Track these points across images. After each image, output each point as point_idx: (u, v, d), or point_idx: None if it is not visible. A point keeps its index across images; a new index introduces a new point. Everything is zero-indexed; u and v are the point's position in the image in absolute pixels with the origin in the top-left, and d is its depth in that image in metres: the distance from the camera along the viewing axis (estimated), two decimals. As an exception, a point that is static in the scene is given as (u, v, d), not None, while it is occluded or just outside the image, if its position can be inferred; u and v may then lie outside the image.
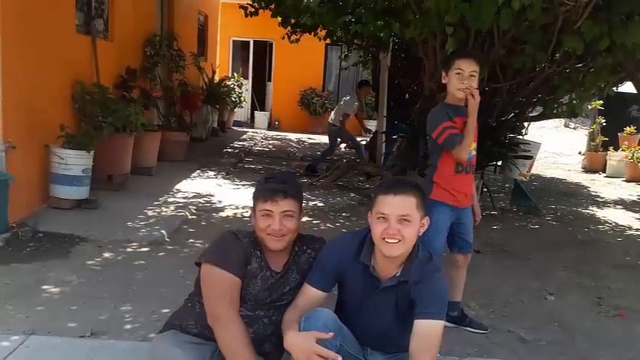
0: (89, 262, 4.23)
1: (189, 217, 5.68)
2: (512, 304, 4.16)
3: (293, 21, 9.02)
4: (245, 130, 14.61)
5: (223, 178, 7.86)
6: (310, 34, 10.17)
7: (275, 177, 2.43)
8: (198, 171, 8.01)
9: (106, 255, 4.41)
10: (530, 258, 5.35)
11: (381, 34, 6.35)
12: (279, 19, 9.20)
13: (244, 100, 14.83)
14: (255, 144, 12.12)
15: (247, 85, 15.96)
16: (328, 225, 5.88)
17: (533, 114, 7.03)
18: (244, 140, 12.48)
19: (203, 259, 2.38)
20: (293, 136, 14.25)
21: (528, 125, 7.08)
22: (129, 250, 4.56)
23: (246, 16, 9.74)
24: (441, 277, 2.36)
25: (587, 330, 3.80)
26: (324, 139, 13.91)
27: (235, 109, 14.55)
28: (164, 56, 8.70)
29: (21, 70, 4.90)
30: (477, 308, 3.99)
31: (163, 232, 4.97)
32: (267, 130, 15.25)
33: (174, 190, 6.66)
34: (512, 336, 3.60)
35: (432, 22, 4.88)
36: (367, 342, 2.47)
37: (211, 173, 8.06)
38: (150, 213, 5.57)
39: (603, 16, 4.44)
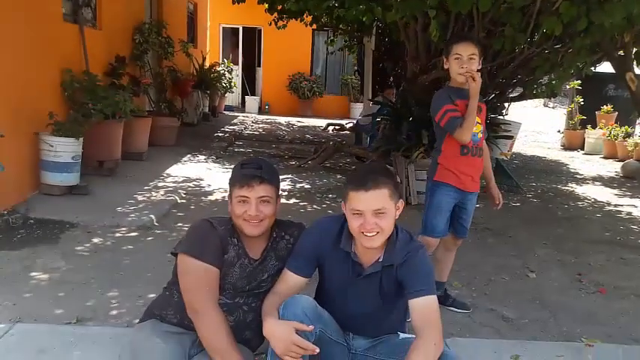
0: (78, 248, 4.08)
1: (179, 201, 5.53)
2: (495, 282, 4.06)
3: (279, 7, 8.81)
4: (236, 114, 14.42)
5: (213, 162, 7.70)
6: (297, 20, 9.97)
7: (250, 162, 2.30)
8: (188, 155, 7.84)
9: (95, 240, 4.27)
10: (512, 235, 5.25)
11: (364, 18, 6.19)
12: (266, 5, 8.99)
13: (235, 86, 14.61)
14: (245, 128, 11.94)
15: (238, 70, 15.74)
16: (315, 207, 5.76)
17: (513, 95, 6.91)
18: (235, 124, 12.30)
19: (179, 250, 2.25)
20: (282, 119, 14.08)
21: (509, 106, 6.97)
22: (118, 235, 4.42)
23: (234, 3, 9.51)
24: (424, 254, 2.28)
25: (568, 307, 3.70)
26: (313, 122, 13.82)
27: (226, 95, 14.34)
28: (153, 44, 8.48)
29: (7, 60, 4.70)
30: (460, 287, 3.89)
31: (152, 216, 4.82)
32: (258, 114, 15.07)
33: (165, 175, 6.50)
34: (495, 314, 3.50)
35: (414, 6, 4.72)
36: (349, 327, 2.36)
37: (202, 157, 7.90)
38: (139, 198, 5.41)
39: (580, -3, 4.31)
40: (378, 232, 2.13)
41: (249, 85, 16.11)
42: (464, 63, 3.08)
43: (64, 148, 5.06)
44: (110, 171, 6.11)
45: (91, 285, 3.48)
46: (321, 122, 13.18)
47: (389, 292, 2.26)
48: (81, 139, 5.24)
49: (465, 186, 3.26)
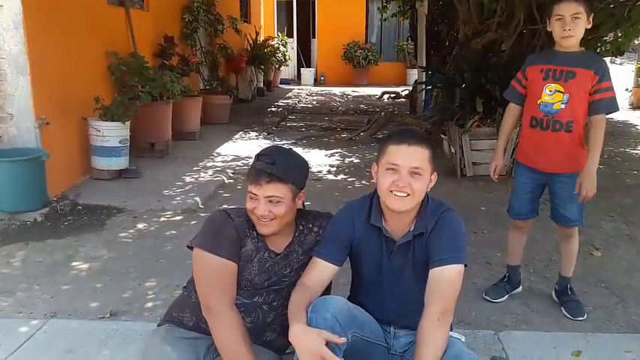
0: (122, 235, 3.95)
1: (226, 181, 5.32)
2: (555, 262, 3.57)
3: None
4: (292, 87, 14.15)
5: (264, 138, 7.46)
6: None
7: (265, 155, 1.97)
8: (240, 132, 7.64)
9: (140, 226, 4.12)
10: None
11: (411, -18, 5.68)
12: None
13: (289, 59, 14.30)
14: (299, 101, 11.63)
15: (292, 43, 15.39)
16: (364, 182, 5.40)
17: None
18: (289, 98, 12.02)
19: (194, 244, 2.00)
20: (337, 90, 13.68)
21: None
22: (162, 219, 4.25)
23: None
24: (454, 217, 2.00)
25: (638, 290, 3.23)
26: (368, 91, 13.36)
27: (281, 68, 14.06)
28: (203, 22, 8.26)
29: (50, 48, 4.56)
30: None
31: (197, 199, 4.63)
32: (313, 85, 14.74)
33: (215, 154, 6.32)
34: (555, 302, 3.07)
35: (461, -36, 4.20)
36: (392, 317, 2.10)
37: (253, 134, 7.67)
38: (187, 179, 5.24)
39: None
40: (408, 195, 1.91)
41: (305, 57, 15.75)
42: (566, 24, 2.60)
43: (111, 133, 4.94)
44: (161, 152, 5.99)
45: (129, 275, 3.32)
46: (377, 91, 12.71)
47: (421, 266, 1.99)
48: (128, 122, 5.10)
49: (539, 166, 2.81)
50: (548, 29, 2.73)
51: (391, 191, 1.91)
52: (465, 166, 5.64)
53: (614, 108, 2.77)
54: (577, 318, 2.90)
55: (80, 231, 3.99)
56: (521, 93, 2.88)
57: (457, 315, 2.84)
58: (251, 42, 11.49)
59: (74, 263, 3.47)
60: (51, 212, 4.24)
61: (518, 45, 5.42)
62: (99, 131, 4.93)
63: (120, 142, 5.02)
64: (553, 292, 3.12)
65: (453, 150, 5.76)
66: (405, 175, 1.89)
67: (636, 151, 7.04)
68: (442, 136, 6.15)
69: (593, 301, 3.10)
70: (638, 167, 6.19)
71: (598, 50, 5.72)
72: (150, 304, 2.98)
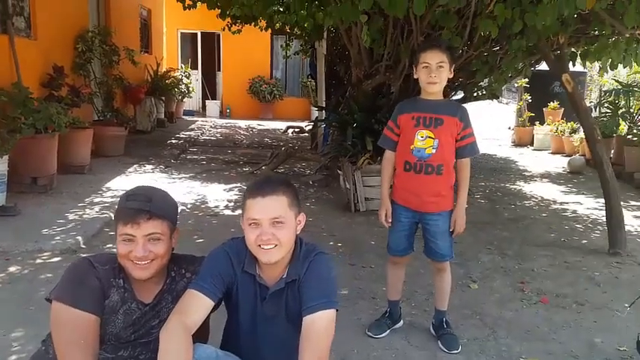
0: (-10, 280, 3.63)
1: (113, 218, 5.05)
2: (435, 295, 3.74)
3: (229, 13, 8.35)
4: (196, 119, 13.92)
5: (161, 171, 7.22)
6: (251, 25, 9.54)
7: (137, 194, 1.89)
8: (135, 166, 7.33)
9: (12, 269, 3.80)
10: (457, 241, 4.88)
11: (306, 24, 5.82)
12: (218, 11, 8.52)
13: (192, 91, 14.10)
14: (202, 133, 11.44)
15: (197, 75, 15.23)
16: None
17: (455, 98, 6.62)
18: (192, 130, 11.78)
19: (52, 296, 1.86)
20: (243, 123, 13.64)
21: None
22: (38, 261, 3.96)
23: (185, 9, 9.00)
24: (322, 260, 1.98)
25: (509, 321, 3.41)
26: (274, 125, 13.43)
27: (184, 100, 13.82)
28: (98, 52, 7.97)
29: None
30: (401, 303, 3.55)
31: (79, 238, 4.35)
32: (219, 118, 14.60)
33: (104, 189, 6.00)
34: (433, 335, 3.17)
35: (346, 11, 4.34)
36: None
37: (149, 167, 7.40)
38: (71, 217, 4.92)
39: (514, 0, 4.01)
40: (275, 245, 1.87)
41: (210, 90, 15.61)
42: (432, 72, 2.79)
43: (-15, 168, 4.59)
44: (45, 187, 5.61)
45: (-7, 325, 3.04)
46: (282, 125, 12.81)
47: (295, 314, 1.95)
48: (5, 157, 4.76)
49: (413, 205, 2.95)
50: (415, 76, 2.91)
51: (259, 245, 1.87)
52: (358, 202, 5.77)
53: (477, 152, 3.02)
54: (452, 351, 3.01)
55: (-58, 276, 3.62)
56: (394, 140, 3.01)
57: (340, 354, 2.86)
58: (152, 73, 11.23)
59: None
60: None
61: (405, 87, 5.68)
62: (-28, 166, 4.56)
63: (-4, 177, 4.66)
64: (431, 325, 3.22)
65: (347, 185, 5.88)
66: (267, 228, 1.86)
67: (514, 186, 7.54)
68: (339, 171, 6.27)
69: (467, 333, 3.22)
70: (516, 202, 6.63)
71: (475, 95, 6.13)
72: (14, 357, 2.74)
